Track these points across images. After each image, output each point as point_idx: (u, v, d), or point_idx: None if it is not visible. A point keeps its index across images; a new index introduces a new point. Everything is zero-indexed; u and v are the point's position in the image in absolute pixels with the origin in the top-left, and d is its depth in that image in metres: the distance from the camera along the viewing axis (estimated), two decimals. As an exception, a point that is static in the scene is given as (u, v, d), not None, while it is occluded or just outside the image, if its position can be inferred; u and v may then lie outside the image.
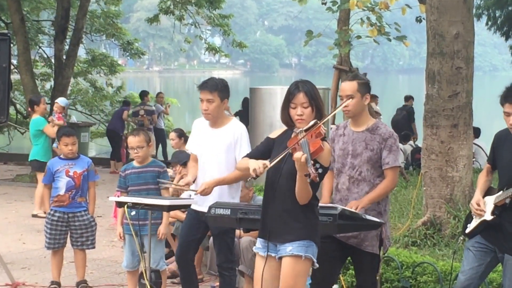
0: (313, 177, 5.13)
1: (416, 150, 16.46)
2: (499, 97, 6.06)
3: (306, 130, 5.46)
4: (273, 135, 5.82)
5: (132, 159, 8.11)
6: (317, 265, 5.65)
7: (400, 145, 16.93)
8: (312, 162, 5.20)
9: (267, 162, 5.45)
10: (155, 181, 7.79)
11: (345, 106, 6.40)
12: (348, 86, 6.40)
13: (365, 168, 6.41)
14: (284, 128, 5.78)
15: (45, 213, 12.76)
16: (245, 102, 18.85)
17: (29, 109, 13.98)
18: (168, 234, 9.76)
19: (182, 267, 7.30)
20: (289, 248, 5.52)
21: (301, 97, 5.57)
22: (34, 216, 12.96)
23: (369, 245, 6.39)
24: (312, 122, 5.52)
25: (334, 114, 9.71)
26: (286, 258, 5.54)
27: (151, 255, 7.79)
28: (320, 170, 5.26)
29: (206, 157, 7.14)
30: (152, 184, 7.82)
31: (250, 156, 5.83)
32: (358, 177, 6.42)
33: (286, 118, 5.67)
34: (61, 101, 14.67)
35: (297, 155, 5.22)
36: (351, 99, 6.36)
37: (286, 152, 5.45)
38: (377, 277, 7.28)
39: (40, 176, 12.95)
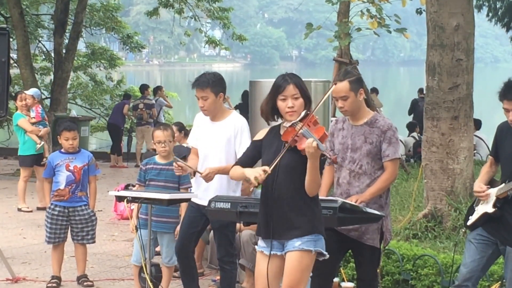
0: (334, 159, 5.11)
1: (418, 143, 16.43)
2: (498, 94, 6.05)
3: (301, 120, 5.42)
4: (259, 136, 5.75)
5: (150, 154, 8.08)
6: (327, 256, 5.61)
7: (402, 138, 16.94)
8: (324, 146, 5.18)
9: (266, 167, 5.40)
10: (174, 180, 7.75)
11: (341, 107, 6.40)
12: (340, 88, 6.35)
13: (365, 162, 6.39)
14: (266, 129, 5.74)
15: (29, 209, 12.86)
16: (245, 95, 18.84)
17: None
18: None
19: (182, 259, 7.28)
20: (297, 243, 5.47)
21: (291, 89, 5.50)
22: (19, 210, 13.04)
23: (370, 238, 6.38)
24: (303, 113, 5.48)
25: (335, 108, 9.70)
26: (293, 253, 5.48)
27: (165, 251, 7.86)
28: (336, 152, 5.20)
29: (207, 151, 7.13)
30: (171, 183, 7.78)
31: (240, 162, 5.79)
32: (358, 171, 6.40)
33: (268, 111, 5.59)
34: (31, 91, 13.76)
35: (309, 141, 5.18)
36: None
37: (287, 147, 5.40)
38: (378, 270, 7.27)
39: (23, 172, 13.07)
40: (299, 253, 5.46)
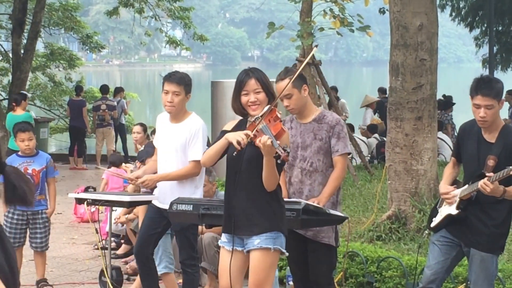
0: (284, 157, 5.11)
1: (381, 144, 16.40)
2: (469, 88, 5.93)
3: (262, 116, 5.42)
4: (228, 127, 5.74)
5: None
6: (286, 254, 5.62)
7: (365, 139, 16.92)
8: (278, 143, 5.17)
9: (248, 131, 5.35)
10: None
11: (287, 106, 6.40)
12: (282, 86, 6.26)
13: (316, 159, 6.42)
14: (238, 119, 5.74)
15: None
16: None
17: None
18: (128, 231, 9.64)
19: (141, 261, 7.16)
20: (256, 241, 5.47)
21: (252, 83, 5.53)
22: None
23: (325, 236, 6.42)
24: (266, 108, 5.48)
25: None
26: (255, 252, 5.48)
27: None
28: (288, 150, 5.19)
29: (164, 153, 7.06)
30: None
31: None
32: (309, 169, 6.43)
33: (239, 106, 5.60)
34: None
35: (263, 138, 5.16)
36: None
37: (246, 142, 5.35)
38: (341, 273, 7.25)
39: None
40: (259, 251, 5.48)
